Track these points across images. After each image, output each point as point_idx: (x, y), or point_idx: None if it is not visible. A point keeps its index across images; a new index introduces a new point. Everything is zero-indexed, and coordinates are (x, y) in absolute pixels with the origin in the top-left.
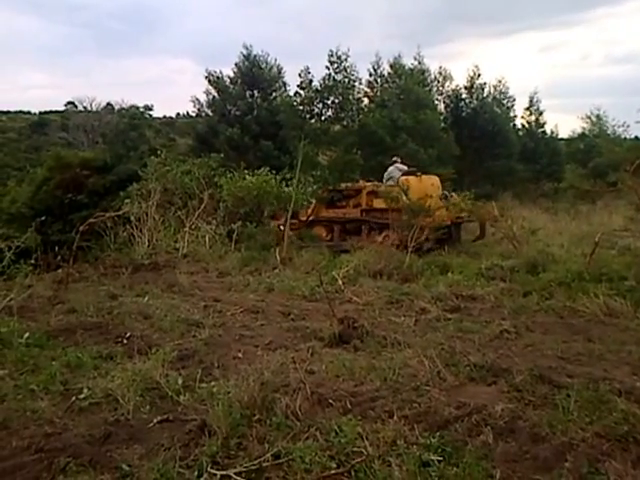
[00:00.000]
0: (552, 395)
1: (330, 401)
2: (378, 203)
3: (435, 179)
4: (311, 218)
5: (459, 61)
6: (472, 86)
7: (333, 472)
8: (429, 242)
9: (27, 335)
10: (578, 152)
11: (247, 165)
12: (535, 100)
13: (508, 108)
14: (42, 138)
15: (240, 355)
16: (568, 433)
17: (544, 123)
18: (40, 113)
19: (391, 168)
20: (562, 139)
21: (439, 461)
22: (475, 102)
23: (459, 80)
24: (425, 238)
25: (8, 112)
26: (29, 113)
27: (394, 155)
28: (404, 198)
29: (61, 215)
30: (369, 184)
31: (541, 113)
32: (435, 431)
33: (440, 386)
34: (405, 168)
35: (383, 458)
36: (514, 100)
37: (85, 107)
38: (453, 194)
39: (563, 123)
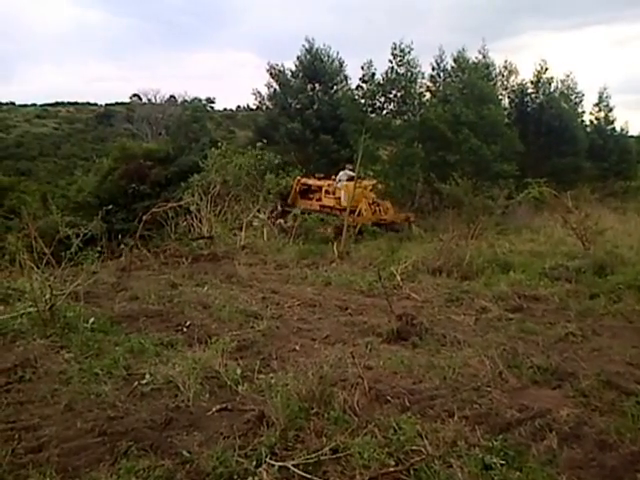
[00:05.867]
0: (620, 401)
1: (388, 398)
2: (327, 201)
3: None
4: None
5: (526, 55)
6: (539, 81)
7: (392, 469)
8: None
9: (92, 320)
10: None
11: (306, 158)
12: (605, 96)
13: (576, 104)
14: (108, 129)
15: (298, 348)
16: (637, 442)
17: (614, 120)
18: (106, 105)
19: (341, 173)
20: (632, 136)
21: (502, 464)
22: (541, 97)
23: (525, 74)
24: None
25: (76, 103)
26: (95, 105)
27: (348, 163)
28: (342, 200)
29: (125, 204)
30: (325, 182)
31: (611, 109)
32: (497, 433)
33: (502, 387)
34: (352, 174)
35: (443, 458)
36: (582, 96)
37: (149, 99)
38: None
39: (636, 120)
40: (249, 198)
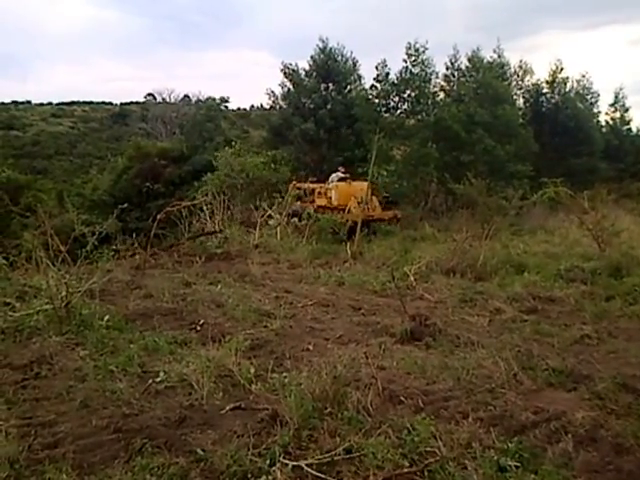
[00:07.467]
0: (637, 404)
1: (402, 398)
2: (320, 201)
3: (364, 185)
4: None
5: (541, 55)
6: (554, 80)
7: (406, 470)
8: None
9: (107, 318)
10: None
11: (320, 158)
12: (621, 96)
13: (592, 104)
14: (123, 128)
15: (311, 347)
16: None
17: (630, 120)
18: (121, 104)
19: (333, 175)
20: None
21: (517, 467)
22: (557, 97)
23: (540, 74)
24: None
25: (91, 102)
26: (110, 104)
27: (341, 165)
28: (332, 199)
29: (139, 203)
30: (317, 185)
31: (627, 110)
32: (512, 436)
33: (516, 389)
34: (343, 176)
35: (458, 460)
36: (598, 96)
37: (164, 99)
38: (373, 198)
39: None
40: (262, 197)
